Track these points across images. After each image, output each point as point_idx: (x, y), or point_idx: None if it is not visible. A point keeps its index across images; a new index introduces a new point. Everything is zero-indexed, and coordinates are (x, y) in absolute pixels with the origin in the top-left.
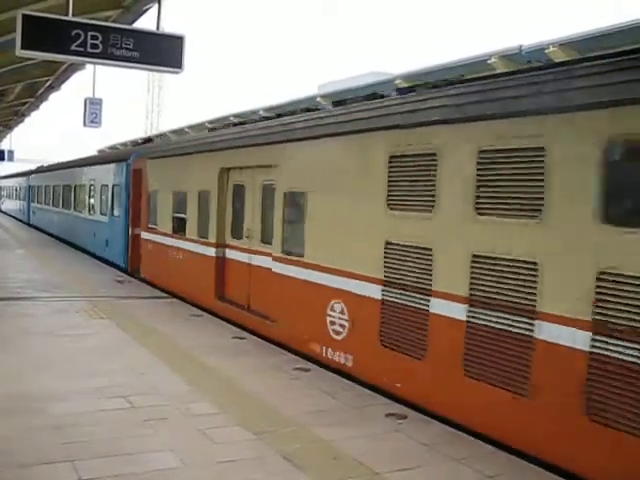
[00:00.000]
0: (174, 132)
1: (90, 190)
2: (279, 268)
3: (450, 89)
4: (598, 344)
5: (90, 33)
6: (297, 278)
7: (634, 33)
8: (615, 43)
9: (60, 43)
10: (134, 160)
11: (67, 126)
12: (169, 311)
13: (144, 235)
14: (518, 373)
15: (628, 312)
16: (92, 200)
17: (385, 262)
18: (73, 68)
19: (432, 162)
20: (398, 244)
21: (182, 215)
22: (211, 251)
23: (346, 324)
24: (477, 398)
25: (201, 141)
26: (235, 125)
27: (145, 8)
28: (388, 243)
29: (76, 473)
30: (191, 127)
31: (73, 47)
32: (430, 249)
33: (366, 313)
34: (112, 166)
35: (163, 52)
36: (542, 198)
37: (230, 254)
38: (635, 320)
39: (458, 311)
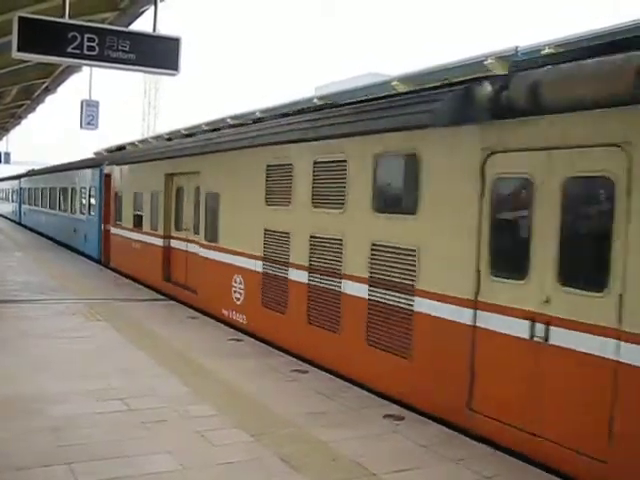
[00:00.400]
0: (142, 141)
1: (71, 192)
2: (204, 252)
3: (296, 118)
4: (371, 293)
5: (86, 35)
6: (214, 259)
7: (632, 33)
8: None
9: (56, 45)
10: (105, 166)
11: (65, 128)
12: (166, 313)
13: (112, 230)
14: (335, 318)
15: (381, 269)
16: (73, 201)
17: (264, 244)
18: (70, 70)
19: (289, 170)
20: (271, 230)
21: (140, 212)
22: (159, 241)
23: (242, 292)
24: (315, 338)
25: (152, 151)
26: (170, 140)
27: (141, 10)
28: (266, 230)
29: (73, 476)
30: (155, 137)
31: (69, 49)
32: (288, 233)
33: (254, 283)
34: (89, 171)
35: (159, 54)
36: (344, 195)
37: (173, 243)
38: (385, 274)
39: (303, 276)
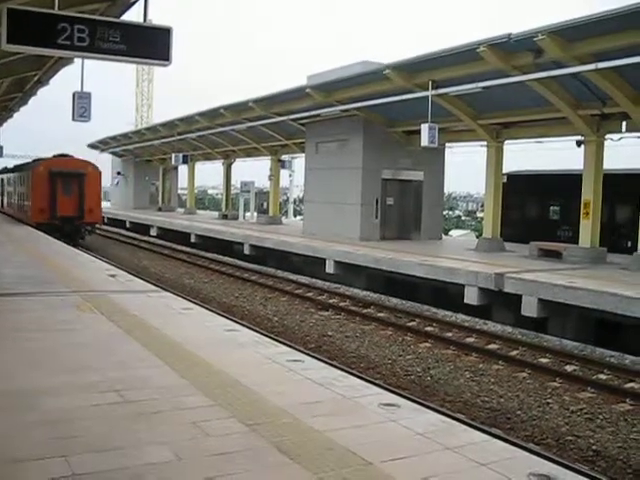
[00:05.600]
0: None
1: None
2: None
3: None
4: (16, 205)
5: (77, 26)
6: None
7: (621, 21)
8: (603, 31)
9: (46, 37)
10: None
11: (60, 120)
12: (161, 305)
13: None
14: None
15: (20, 199)
16: None
17: (8, 196)
18: (61, 62)
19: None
20: (10, 192)
21: None
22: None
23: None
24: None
25: None
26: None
27: (132, 0)
28: (8, 192)
29: (70, 468)
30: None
31: (60, 41)
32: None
33: (14, 205)
34: None
35: (150, 44)
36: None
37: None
38: (21, 202)
39: (23, 203)
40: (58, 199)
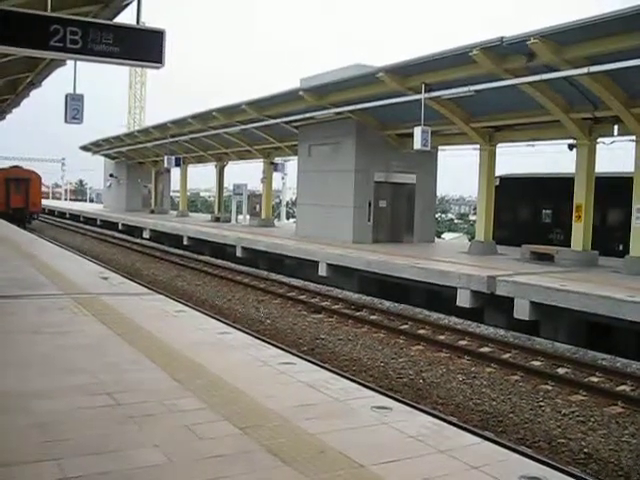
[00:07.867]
0: None
1: None
2: None
3: None
4: None
5: (69, 28)
6: None
7: (615, 24)
8: (595, 35)
9: (39, 39)
10: None
11: (54, 122)
12: (154, 307)
13: None
14: None
15: None
16: None
17: None
18: (54, 64)
19: None
20: None
21: None
22: None
23: None
24: None
25: None
26: None
27: (125, 3)
28: None
29: (61, 471)
30: None
31: (52, 43)
32: None
33: None
34: None
35: (143, 47)
36: None
37: None
38: None
39: None
40: (11, 196)
